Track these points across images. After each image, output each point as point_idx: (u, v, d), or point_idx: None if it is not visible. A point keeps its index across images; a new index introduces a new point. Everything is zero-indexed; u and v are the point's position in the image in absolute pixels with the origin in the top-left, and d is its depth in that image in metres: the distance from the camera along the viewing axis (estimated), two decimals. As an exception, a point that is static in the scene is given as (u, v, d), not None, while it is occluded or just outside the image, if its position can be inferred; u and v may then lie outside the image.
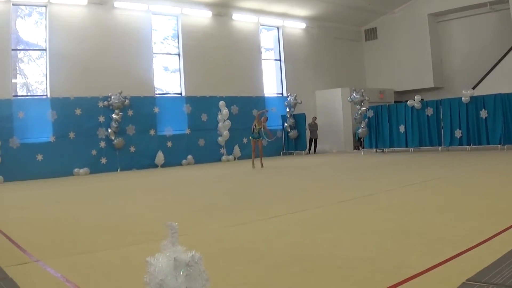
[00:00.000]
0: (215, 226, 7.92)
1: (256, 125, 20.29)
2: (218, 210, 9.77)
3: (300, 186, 13.81)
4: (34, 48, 22.73)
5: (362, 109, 27.50)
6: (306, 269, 5.15)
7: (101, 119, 22.85)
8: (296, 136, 29.66)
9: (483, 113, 23.54)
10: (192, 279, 3.02)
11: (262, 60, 30.65)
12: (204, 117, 26.47)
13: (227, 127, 26.95)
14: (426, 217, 7.60)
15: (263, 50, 31.00)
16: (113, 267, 5.76)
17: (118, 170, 22.82)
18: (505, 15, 29.74)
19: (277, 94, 31.66)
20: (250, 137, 21.20)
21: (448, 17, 33.54)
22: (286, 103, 30.07)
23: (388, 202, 9.59)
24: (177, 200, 11.82)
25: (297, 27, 32.46)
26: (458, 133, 24.26)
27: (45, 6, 22.29)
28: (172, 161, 24.66)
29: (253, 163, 20.47)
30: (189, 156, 25.42)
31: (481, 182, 12.21)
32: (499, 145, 23.09)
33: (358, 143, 29.63)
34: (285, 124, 29.98)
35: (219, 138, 26.95)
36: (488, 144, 23.53)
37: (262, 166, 20.28)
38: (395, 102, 32.51)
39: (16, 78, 22.56)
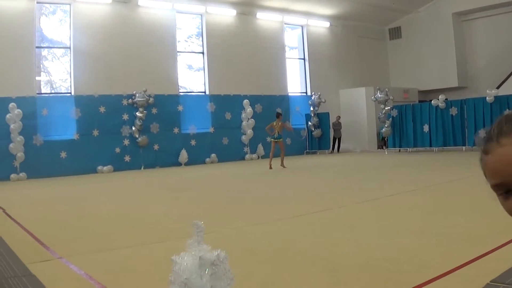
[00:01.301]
0: (238, 225, 7.97)
1: (275, 125, 19.80)
2: (242, 209, 9.80)
3: (323, 185, 13.82)
4: (58, 46, 22.84)
5: (386, 108, 27.19)
6: (328, 268, 5.21)
7: (125, 117, 22.74)
8: (320, 135, 29.37)
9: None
10: (217, 278, 2.94)
11: (286, 59, 30.41)
12: (228, 116, 26.26)
13: (251, 125, 26.69)
14: (449, 218, 7.60)
15: (287, 49, 30.75)
16: (136, 264, 5.74)
17: (142, 168, 22.70)
18: None
19: (301, 93, 31.37)
20: (271, 139, 20.66)
21: (473, 16, 33.05)
22: (310, 102, 29.75)
23: (411, 202, 9.53)
24: (201, 199, 11.75)
25: (321, 26, 32.13)
26: (482, 133, 23.73)
27: (69, 4, 22.31)
28: (196, 159, 24.44)
29: (270, 164, 19.85)
30: (213, 155, 25.22)
31: None
32: None
33: (382, 142, 29.23)
34: (309, 123, 29.66)
35: (243, 137, 26.72)
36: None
37: (284, 166, 19.72)
38: (419, 101, 31.99)
39: (40, 75, 22.66)
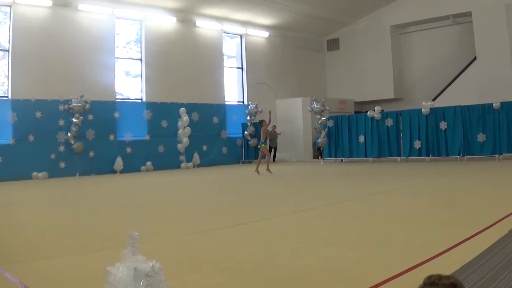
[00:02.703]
0: (175, 235, 8.07)
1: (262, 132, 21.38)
2: (178, 218, 9.92)
3: (261, 194, 14.17)
4: (-3, 48, 22.87)
5: (322, 119, 28.43)
6: (267, 278, 5.29)
7: (61, 122, 23.05)
8: (256, 144, 30.08)
9: (443, 125, 24.70)
10: (152, 289, 3.10)
11: (224, 68, 31.46)
12: (164, 124, 26.98)
13: (187, 134, 27.48)
14: (387, 227, 7.88)
15: (225, 58, 31.78)
16: (72, 274, 5.77)
17: (77, 175, 23.08)
18: (467, 28, 31.21)
19: (238, 102, 32.46)
20: (259, 145, 21.98)
21: (411, 29, 34.92)
22: (246, 111, 30.82)
23: (348, 211, 9.85)
24: (138, 207, 11.88)
25: (260, 36, 33.44)
26: (417, 144, 25.40)
27: (10, 6, 22.62)
28: (131, 167, 25.01)
29: (257, 168, 21.22)
30: (148, 163, 25.80)
31: (440, 193, 12.51)
32: (458, 156, 24.26)
33: (318, 152, 30.48)
34: (245, 132, 30.67)
35: (179, 145, 27.45)
36: (447, 155, 24.66)
37: (257, 171, 21.04)
38: (355, 112, 33.59)
39: (-24, 78, 22.66)
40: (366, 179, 17.60)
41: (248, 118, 30.61)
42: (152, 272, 3.14)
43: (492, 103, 23.53)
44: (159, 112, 26.79)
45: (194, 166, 27.73)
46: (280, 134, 29.98)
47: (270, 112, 22.47)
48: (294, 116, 32.35)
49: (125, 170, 24.66)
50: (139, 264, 3.16)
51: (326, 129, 28.42)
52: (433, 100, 28.82)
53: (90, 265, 6.08)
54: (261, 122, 21.73)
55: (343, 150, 28.12)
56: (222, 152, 29.46)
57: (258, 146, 22.16)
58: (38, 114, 22.43)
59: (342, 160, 28.30)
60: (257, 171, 20.97)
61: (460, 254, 5.75)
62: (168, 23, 28.23)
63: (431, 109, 25.23)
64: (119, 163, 24.61)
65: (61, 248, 7.19)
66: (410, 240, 6.80)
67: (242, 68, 32.63)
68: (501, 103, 23.32)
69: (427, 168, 21.25)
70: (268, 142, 22.07)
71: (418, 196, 12.06)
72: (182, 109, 27.46)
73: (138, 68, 27.41)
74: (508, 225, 7.19)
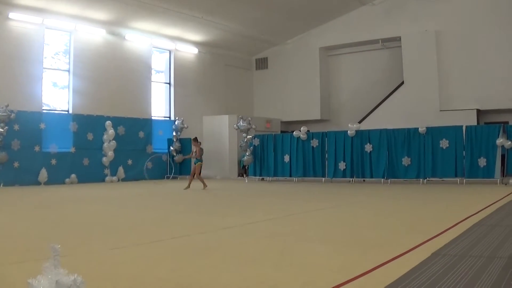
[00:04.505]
0: (97, 249, 8.12)
1: (197, 151, 22.91)
2: (102, 232, 10.04)
3: (183, 211, 14.62)
4: None
5: (248, 137, 29.68)
6: None
7: (-14, 132, 23.70)
8: (182, 160, 31.35)
9: (368, 147, 26.03)
10: (73, 302, 3.16)
11: (152, 82, 32.63)
12: (90, 136, 27.83)
13: (112, 147, 28.44)
14: (308, 247, 8.04)
15: (153, 72, 32.98)
16: None
17: (1, 186, 23.49)
18: (396, 52, 33.46)
19: (164, 117, 33.62)
20: (195, 163, 23.26)
21: (340, 51, 36.91)
22: (173, 127, 31.91)
23: (271, 230, 10.04)
24: (60, 220, 12.03)
25: (189, 52, 34.87)
26: (342, 165, 26.81)
27: None
28: (56, 179, 25.64)
29: (189, 185, 22.60)
30: (73, 175, 26.54)
31: (361, 214, 13.02)
32: (382, 179, 25.63)
33: (243, 170, 31.82)
34: (171, 148, 31.74)
35: (104, 159, 28.34)
36: (372, 177, 25.97)
37: (204, 186, 22.52)
38: (281, 132, 35.36)
39: None
40: (289, 199, 18.24)
41: (174, 133, 31.63)
42: (74, 286, 3.23)
43: (418, 128, 24.83)
44: (85, 125, 27.55)
45: (118, 180, 28.67)
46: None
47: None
48: (220, 134, 33.64)
49: (50, 181, 25.26)
50: (61, 277, 3.23)
51: (252, 147, 29.55)
52: (359, 122, 30.60)
53: (10, 277, 6.05)
54: (196, 139, 23.45)
55: (268, 169, 29.25)
56: (147, 166, 30.21)
57: (194, 163, 23.45)
58: (-37, 122, 22.79)
59: (263, 178, 29.49)
60: (203, 185, 22.54)
61: (381, 276, 5.92)
62: (97, 35, 29.08)
63: (356, 131, 26.44)
64: (43, 174, 25.20)
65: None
66: (331, 260, 7.02)
67: (170, 84, 33.80)
68: (427, 128, 24.70)
69: (350, 189, 22.38)
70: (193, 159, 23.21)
71: (340, 216, 12.67)
72: (108, 122, 28.35)
73: (66, 79, 28.06)
74: (430, 249, 7.47)
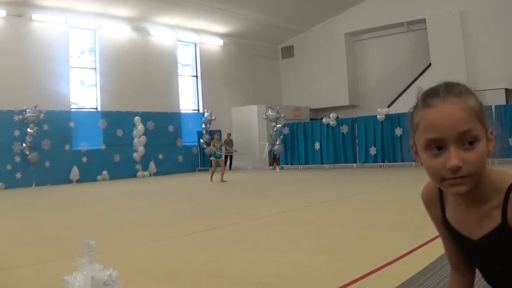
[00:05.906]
0: (131, 244, 8.18)
1: (216, 144, 22.64)
2: (135, 227, 10.00)
3: (216, 202, 14.56)
4: None
5: (278, 126, 29.45)
6: (222, 286, 5.49)
7: (16, 133, 23.65)
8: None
9: (398, 131, 25.55)
10: (109, 298, 3.16)
11: (179, 76, 32.54)
12: (119, 133, 27.83)
13: (143, 142, 28.40)
14: (342, 234, 8.06)
15: (180, 66, 32.86)
16: (28, 285, 5.85)
17: (33, 185, 23.72)
18: (421, 35, 32.74)
19: (193, 110, 33.57)
20: (211, 158, 23.16)
21: (365, 36, 36.44)
22: (202, 120, 31.74)
23: (304, 218, 10.02)
24: (94, 217, 12.07)
25: (214, 44, 34.69)
26: (373, 151, 26.46)
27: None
28: (87, 176, 25.73)
29: (211, 177, 22.47)
30: (104, 172, 26.64)
31: (395, 198, 12.76)
32: (414, 163, 24.61)
33: (274, 160, 31.37)
34: (201, 140, 31.60)
35: (134, 154, 28.32)
36: (403, 161, 25.30)
37: (222, 180, 22.01)
38: (310, 119, 34.87)
39: None
40: (320, 186, 18.13)
41: (204, 126, 31.48)
42: (109, 281, 3.24)
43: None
44: (114, 121, 27.57)
45: (150, 175, 28.61)
46: (235, 152, 30.33)
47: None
48: (249, 124, 33.44)
49: (81, 179, 25.35)
50: (96, 273, 3.27)
51: (282, 136, 29.37)
52: (388, 106, 30.01)
53: (46, 275, 6.12)
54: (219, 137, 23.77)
55: (299, 157, 29.05)
56: (178, 160, 30.49)
57: (210, 159, 23.37)
58: (-6, 125, 23.23)
59: (298, 167, 29.15)
60: (221, 178, 22.10)
61: (416, 260, 5.86)
62: (122, 32, 29.08)
63: (386, 115, 26.12)
64: (75, 172, 25.31)
65: (16, 259, 7.24)
66: (364, 246, 6.99)
67: (197, 76, 33.71)
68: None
69: (382, 174, 22.16)
70: (224, 150, 23.21)
71: (372, 201, 12.45)
72: (137, 118, 28.34)
73: (92, 77, 28.16)
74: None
